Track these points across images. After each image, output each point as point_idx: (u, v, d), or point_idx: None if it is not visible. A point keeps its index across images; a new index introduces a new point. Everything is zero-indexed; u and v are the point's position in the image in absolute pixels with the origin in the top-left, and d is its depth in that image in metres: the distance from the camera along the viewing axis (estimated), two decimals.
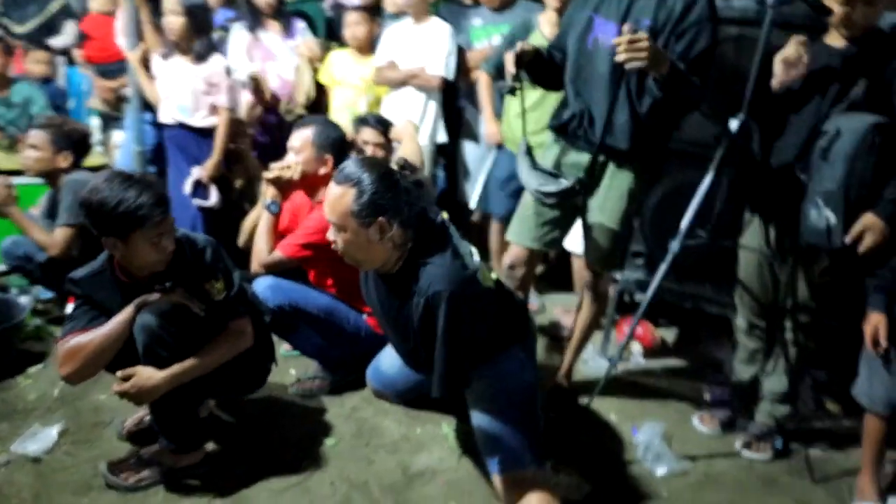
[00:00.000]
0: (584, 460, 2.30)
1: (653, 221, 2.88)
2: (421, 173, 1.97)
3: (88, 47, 4.15)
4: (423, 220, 1.89)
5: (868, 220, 2.05)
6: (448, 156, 3.78)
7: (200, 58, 3.28)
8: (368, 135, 2.84)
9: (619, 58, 1.95)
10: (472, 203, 3.57)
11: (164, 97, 3.36)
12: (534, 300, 3.43)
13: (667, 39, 2.10)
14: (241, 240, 2.73)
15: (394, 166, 1.88)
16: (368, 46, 3.51)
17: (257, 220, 2.60)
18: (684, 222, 2.28)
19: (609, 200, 2.30)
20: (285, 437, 2.32)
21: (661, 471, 2.29)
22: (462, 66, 3.47)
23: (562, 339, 3.08)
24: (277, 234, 2.55)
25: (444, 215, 1.98)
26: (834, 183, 2.07)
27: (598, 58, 2.20)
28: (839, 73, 2.14)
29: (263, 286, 2.40)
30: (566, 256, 3.25)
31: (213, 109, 3.32)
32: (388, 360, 2.40)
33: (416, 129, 3.15)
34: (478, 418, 1.99)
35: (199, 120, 3.33)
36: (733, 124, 2.19)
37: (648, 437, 2.41)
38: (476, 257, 1.91)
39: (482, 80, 3.35)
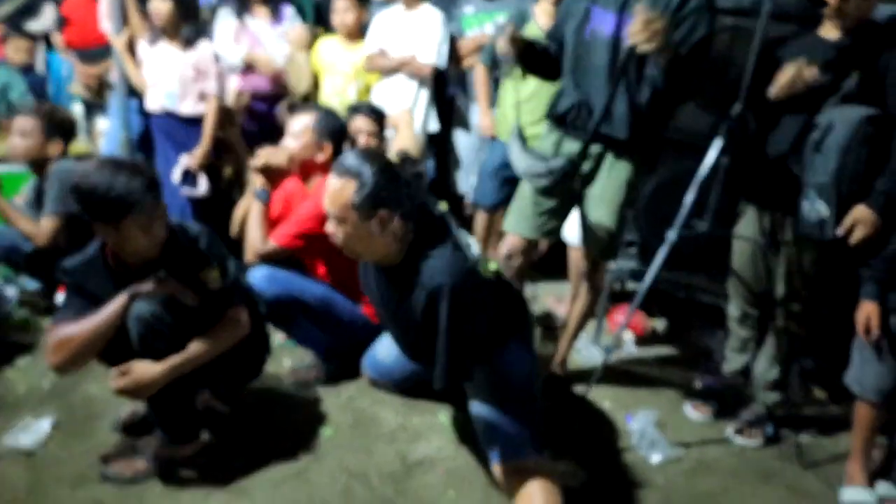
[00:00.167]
0: (580, 448, 2.32)
1: (647, 211, 2.89)
2: (421, 165, 1.96)
3: (69, 31, 4.03)
4: (423, 213, 1.88)
5: (859, 212, 2.07)
6: (438, 144, 3.74)
7: (188, 44, 3.23)
8: (361, 123, 2.82)
9: (634, 38, 1.94)
10: (469, 196, 3.54)
11: (151, 84, 3.30)
12: (526, 289, 3.44)
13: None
14: (234, 229, 2.71)
15: (394, 158, 1.87)
16: (357, 33, 3.46)
17: (248, 210, 2.57)
18: (682, 212, 2.29)
19: (608, 191, 2.31)
20: (282, 427, 2.31)
21: (655, 458, 2.32)
22: (454, 55, 3.44)
23: (555, 328, 3.09)
24: (270, 222, 2.52)
25: (444, 206, 1.98)
26: (827, 175, 2.09)
27: (596, 48, 2.20)
28: (833, 64, 2.15)
29: (259, 276, 2.37)
30: (557, 245, 3.25)
31: (202, 97, 3.27)
32: (385, 350, 2.40)
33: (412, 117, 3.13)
34: (478, 408, 2.00)
35: (188, 107, 3.28)
36: (735, 111, 2.19)
37: (642, 424, 2.44)
38: (475, 249, 1.92)
39: (478, 71, 3.32)
